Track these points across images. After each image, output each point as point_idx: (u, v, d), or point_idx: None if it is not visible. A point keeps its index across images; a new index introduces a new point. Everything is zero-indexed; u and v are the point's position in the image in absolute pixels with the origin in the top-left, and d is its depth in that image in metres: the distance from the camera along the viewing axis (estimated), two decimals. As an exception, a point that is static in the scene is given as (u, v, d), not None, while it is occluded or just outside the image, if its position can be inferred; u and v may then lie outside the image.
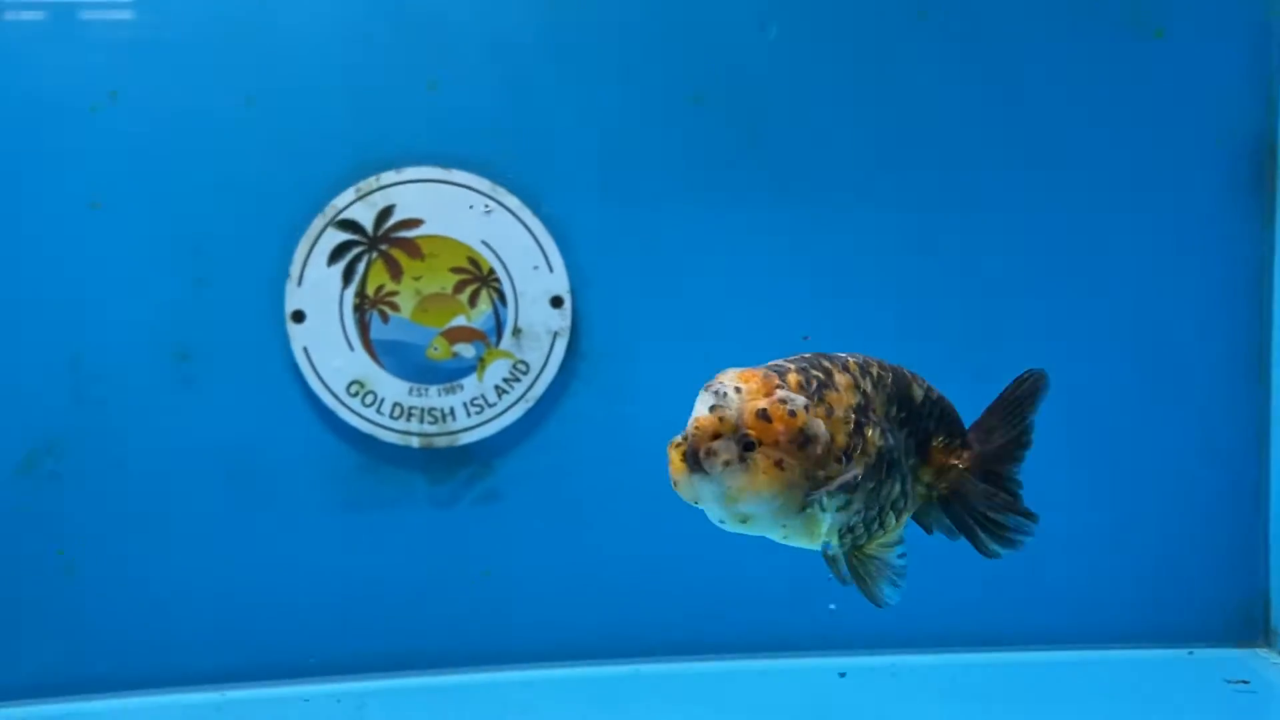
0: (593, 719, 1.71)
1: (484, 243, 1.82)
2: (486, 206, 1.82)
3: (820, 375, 1.09)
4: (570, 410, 1.85)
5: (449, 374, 1.83)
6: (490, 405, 1.83)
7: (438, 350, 1.83)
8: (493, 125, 1.82)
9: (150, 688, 1.78)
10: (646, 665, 1.86)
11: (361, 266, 1.80)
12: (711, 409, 1.03)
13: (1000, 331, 1.87)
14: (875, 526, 1.13)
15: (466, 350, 1.83)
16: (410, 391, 1.82)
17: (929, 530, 1.24)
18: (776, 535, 1.09)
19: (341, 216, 1.79)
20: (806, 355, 1.12)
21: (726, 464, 1.01)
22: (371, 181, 1.79)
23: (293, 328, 1.79)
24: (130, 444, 1.77)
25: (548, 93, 1.83)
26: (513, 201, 1.82)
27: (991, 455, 1.22)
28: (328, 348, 1.79)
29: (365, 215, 1.79)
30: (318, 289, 1.79)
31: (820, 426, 1.05)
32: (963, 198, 1.86)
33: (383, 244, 1.80)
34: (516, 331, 1.84)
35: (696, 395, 1.05)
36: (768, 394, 1.04)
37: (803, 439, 1.03)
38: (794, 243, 1.86)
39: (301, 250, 1.78)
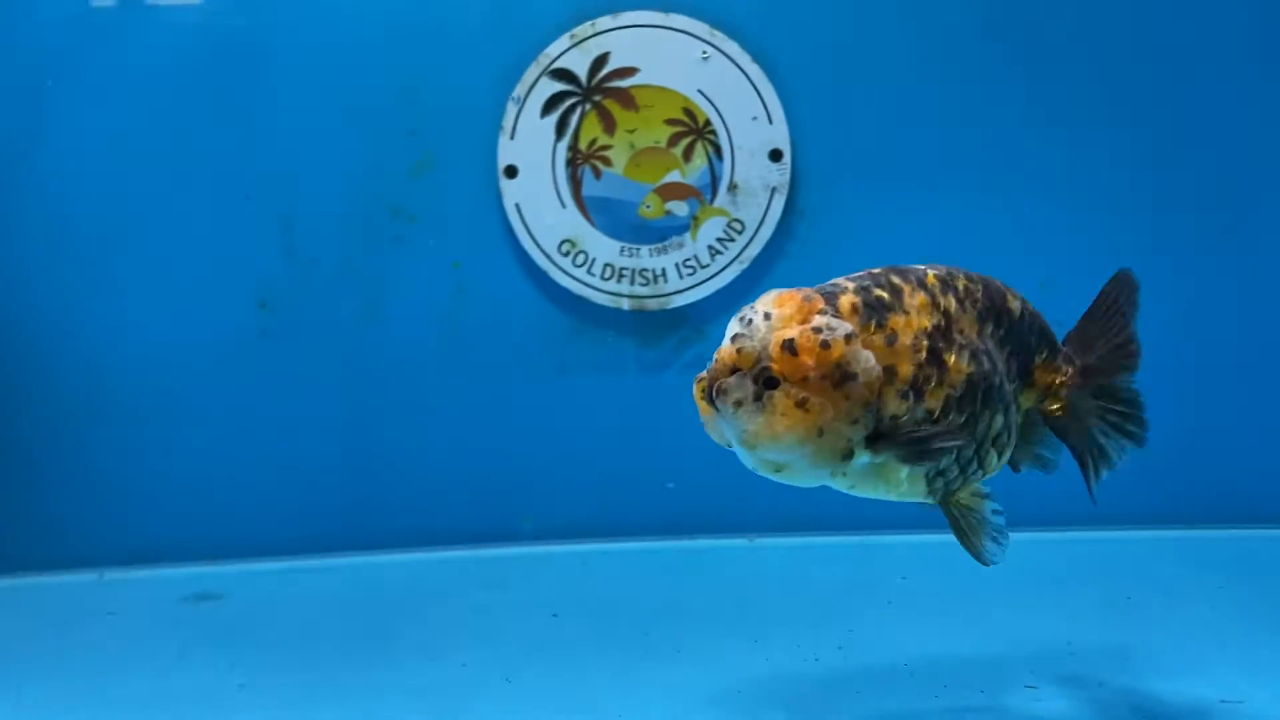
0: (814, 579, 1.64)
1: (700, 92, 1.71)
2: (704, 53, 1.71)
3: (885, 294, 0.93)
4: (786, 272, 1.74)
5: (661, 233, 1.74)
6: (703, 266, 1.75)
7: (650, 208, 1.75)
8: (713, -36, 1.73)
9: (371, 549, 1.77)
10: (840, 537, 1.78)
11: (575, 119, 1.73)
12: (734, 339, 0.90)
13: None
14: (974, 469, 0.97)
15: (680, 208, 1.75)
16: (622, 251, 1.75)
17: (1016, 468, 1.07)
18: (840, 486, 0.95)
19: (555, 65, 1.72)
20: (878, 270, 0.96)
21: (738, 404, 0.88)
22: (587, 27, 1.70)
23: (505, 183, 1.74)
24: (342, 302, 1.75)
25: (770, -70, 1.72)
26: (732, 47, 1.70)
27: (1096, 367, 1.07)
28: (540, 204, 1.73)
29: (579, 64, 1.71)
30: (531, 143, 1.72)
31: (867, 359, 0.89)
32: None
33: (596, 95, 1.72)
34: (732, 187, 1.74)
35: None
36: (803, 321, 0.89)
37: (839, 375, 0.88)
38: (1029, 123, 1.71)
39: (514, 102, 1.71)
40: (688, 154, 1.73)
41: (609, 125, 1.73)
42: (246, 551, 1.71)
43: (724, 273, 1.74)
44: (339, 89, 1.71)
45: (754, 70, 1.71)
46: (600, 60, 1.72)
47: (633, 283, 1.75)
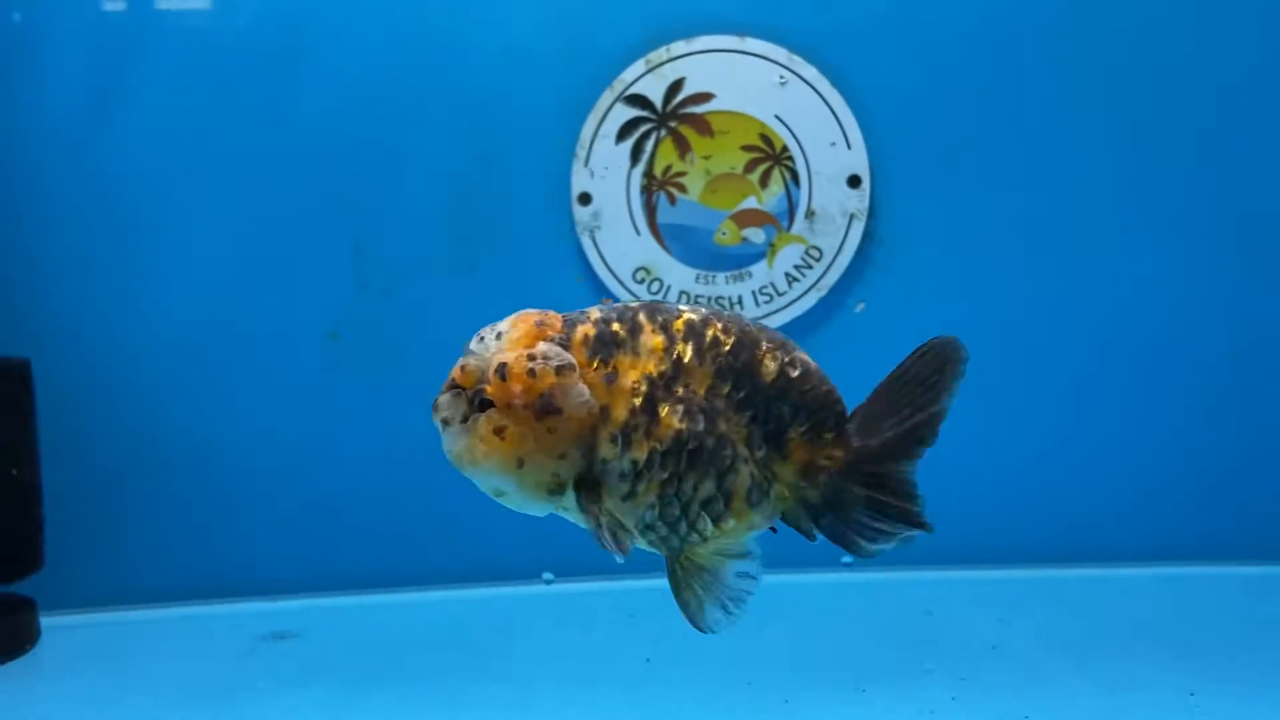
0: (905, 616, 1.59)
1: (777, 118, 1.69)
2: (781, 78, 1.69)
3: (621, 331, 0.88)
4: (865, 300, 1.72)
5: (737, 260, 1.72)
6: (780, 294, 1.72)
7: (726, 235, 1.72)
8: (790, -11, 1.70)
9: (442, 584, 1.74)
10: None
11: (650, 145, 1.70)
12: (465, 356, 0.87)
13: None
14: (685, 530, 0.90)
15: (756, 235, 1.72)
16: (697, 278, 1.72)
17: (811, 536, 0.96)
18: (570, 519, 0.90)
19: (630, 91, 1.70)
20: (636, 303, 0.91)
21: (445, 423, 0.86)
22: (662, 53, 1.68)
23: (579, 210, 1.71)
24: (411, 330, 1.72)
25: (848, -47, 1.70)
26: (810, 72, 1.68)
27: (877, 451, 0.94)
28: (614, 231, 1.70)
29: (655, 89, 1.69)
30: (605, 169, 1.69)
31: (579, 395, 0.85)
32: None
33: (672, 120, 1.70)
34: (810, 214, 1.71)
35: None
36: (529, 345, 0.86)
37: (542, 407, 0.84)
38: (1112, 146, 1.68)
39: (589, 128, 1.69)
40: (764, 180, 1.71)
41: (684, 151, 1.71)
42: (323, 586, 1.68)
43: (801, 300, 1.71)
44: (412, 115, 1.68)
45: (832, 96, 1.68)
46: (676, 86, 1.69)
47: (708, 311, 1.73)
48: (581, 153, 1.70)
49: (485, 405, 0.85)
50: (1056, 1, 1.68)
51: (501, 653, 1.49)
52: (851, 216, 1.70)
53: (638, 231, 1.72)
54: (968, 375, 0.91)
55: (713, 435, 0.89)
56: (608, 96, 1.69)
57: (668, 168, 1.71)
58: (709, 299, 1.72)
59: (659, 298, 1.71)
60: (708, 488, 0.90)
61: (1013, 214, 1.70)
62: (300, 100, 1.69)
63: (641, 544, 0.91)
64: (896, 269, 1.71)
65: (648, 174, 1.71)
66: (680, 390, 0.89)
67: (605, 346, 0.87)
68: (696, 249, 1.72)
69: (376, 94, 1.68)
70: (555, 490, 0.87)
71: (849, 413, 0.94)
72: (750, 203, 1.71)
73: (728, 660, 1.42)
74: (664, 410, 0.88)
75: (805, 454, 0.93)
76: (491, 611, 1.66)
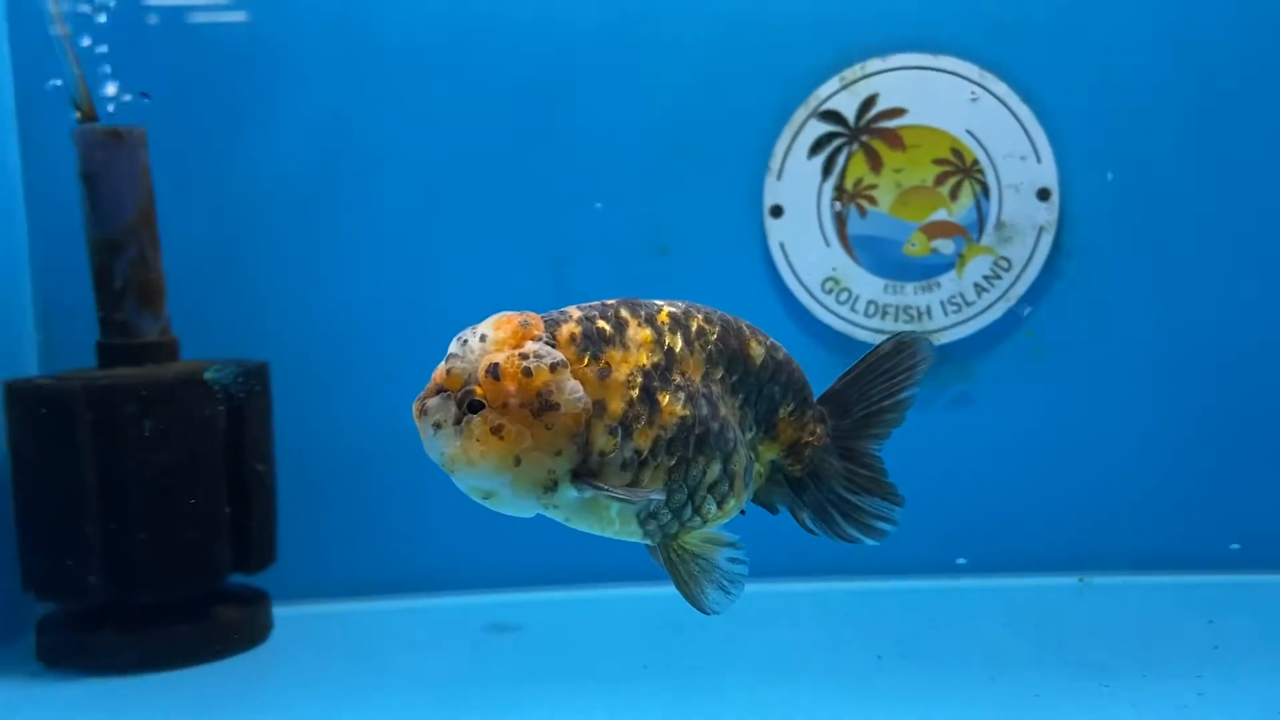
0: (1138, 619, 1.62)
1: (968, 132, 1.72)
2: (973, 94, 1.72)
3: (607, 327, 0.90)
4: (1053, 311, 1.75)
5: (926, 270, 1.75)
6: (969, 304, 1.75)
7: (916, 246, 1.76)
8: (983, 8, 1.72)
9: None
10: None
11: (842, 159, 1.75)
12: (448, 359, 0.88)
13: None
14: (690, 515, 0.93)
15: (946, 246, 1.76)
16: (886, 289, 1.76)
17: (774, 510, 1.04)
18: (556, 517, 0.92)
19: (824, 107, 1.74)
20: (613, 301, 0.94)
21: (438, 426, 0.86)
22: (856, 70, 1.73)
23: (770, 222, 1.76)
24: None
25: (1039, -29, 1.73)
26: (1001, 88, 1.71)
27: (848, 430, 1.03)
28: (804, 243, 1.75)
29: (848, 105, 1.73)
30: (797, 183, 1.75)
31: (573, 390, 0.86)
32: None
33: (864, 135, 1.74)
34: (999, 226, 1.74)
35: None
36: (516, 345, 0.87)
37: (540, 404, 0.86)
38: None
39: (782, 143, 1.74)
40: (955, 193, 1.74)
41: (875, 165, 1.75)
42: (543, 580, 1.75)
43: (989, 310, 1.74)
44: (610, 130, 1.74)
45: (1023, 110, 1.71)
46: (869, 101, 1.73)
47: (896, 320, 1.77)
48: (775, 166, 1.76)
49: (475, 407, 0.86)
50: (1249, 13, 1.70)
51: (730, 647, 1.53)
52: (1041, 229, 1.73)
53: (827, 243, 1.76)
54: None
55: (717, 419, 0.93)
56: (801, 112, 1.74)
57: (859, 180, 1.75)
58: (897, 308, 1.76)
59: (846, 308, 1.77)
60: (715, 470, 0.93)
61: (1202, 226, 1.72)
62: (500, 116, 1.75)
63: (636, 535, 0.93)
64: (1083, 280, 1.74)
65: (839, 187, 1.75)
66: (677, 378, 0.92)
67: (593, 343, 0.89)
68: (885, 260, 1.76)
69: (575, 110, 1.75)
70: (550, 487, 0.88)
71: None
72: (940, 215, 1.75)
73: (965, 659, 1.47)
74: (665, 399, 0.90)
75: (793, 432, 0.99)
76: (754, 604, 1.68)
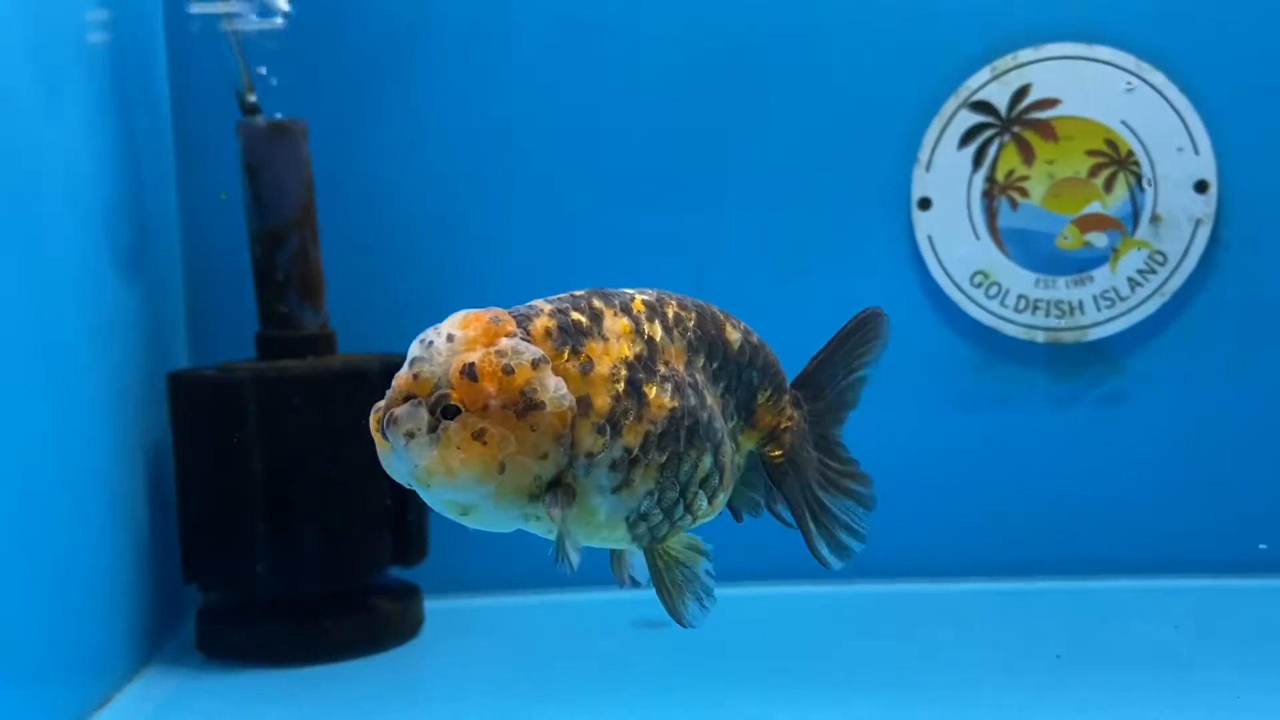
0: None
1: (1124, 123, 1.69)
2: (1129, 84, 1.68)
3: (583, 319, 0.83)
4: (1208, 306, 1.70)
5: (1079, 264, 1.72)
6: (1122, 299, 1.71)
7: (1068, 239, 1.72)
8: (1140, -4, 1.71)
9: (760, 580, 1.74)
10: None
11: (993, 150, 1.71)
12: (411, 363, 0.78)
13: None
14: (680, 513, 0.86)
15: (1099, 239, 1.72)
16: (1037, 283, 1.72)
17: (738, 516, 0.97)
18: (537, 530, 0.84)
19: (975, 98, 1.71)
20: (581, 292, 0.86)
21: (410, 435, 0.77)
22: (1008, 60, 1.70)
23: (918, 215, 1.74)
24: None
25: (1199, -43, 1.69)
26: (1158, 78, 1.67)
27: (821, 414, 0.97)
28: (953, 236, 1.72)
29: (1000, 96, 1.70)
30: (946, 174, 1.72)
31: (557, 387, 0.78)
32: None
33: (1016, 126, 1.71)
34: (1155, 219, 1.70)
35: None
36: (489, 344, 0.78)
37: (524, 404, 0.78)
38: None
39: (931, 134, 1.71)
40: (1109, 185, 1.70)
41: (1028, 156, 1.72)
42: None
43: (1144, 305, 1.70)
44: (753, 119, 1.73)
45: (1180, 101, 1.67)
46: (1021, 92, 1.70)
47: (1047, 315, 1.73)
48: (923, 158, 1.73)
49: (450, 412, 0.78)
50: None
51: (883, 648, 1.52)
52: (1198, 221, 1.69)
53: (977, 236, 1.73)
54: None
55: (705, 409, 0.87)
56: (952, 103, 1.71)
57: (1010, 172, 1.72)
58: (1048, 303, 1.72)
59: (996, 302, 1.74)
60: (707, 463, 0.87)
61: (1365, 219, 1.69)
62: (645, 107, 1.74)
63: (625, 540, 0.87)
64: (1242, 274, 1.70)
65: (989, 179, 1.72)
66: (662, 368, 0.85)
67: (571, 336, 0.82)
68: (1037, 253, 1.73)
69: (718, 98, 1.73)
70: (536, 494, 0.80)
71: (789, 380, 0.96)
72: (1094, 207, 1.71)
73: (1142, 658, 1.45)
74: (651, 391, 0.83)
75: (771, 418, 0.93)
76: (863, 607, 1.69)
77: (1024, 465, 1.76)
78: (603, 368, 0.82)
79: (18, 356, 1.21)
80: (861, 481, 0.97)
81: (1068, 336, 1.73)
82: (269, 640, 1.49)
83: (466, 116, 1.73)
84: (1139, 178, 1.69)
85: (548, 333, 0.81)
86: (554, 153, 1.74)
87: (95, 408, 1.41)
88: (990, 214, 1.73)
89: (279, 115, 1.55)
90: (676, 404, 0.84)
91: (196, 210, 1.72)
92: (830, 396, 0.97)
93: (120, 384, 1.48)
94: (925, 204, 1.73)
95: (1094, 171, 1.70)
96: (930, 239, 1.74)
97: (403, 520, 1.55)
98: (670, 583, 0.89)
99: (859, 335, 0.96)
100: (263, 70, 1.61)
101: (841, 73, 1.72)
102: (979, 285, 1.74)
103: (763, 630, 1.61)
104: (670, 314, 0.87)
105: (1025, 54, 1.69)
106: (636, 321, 0.85)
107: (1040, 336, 1.73)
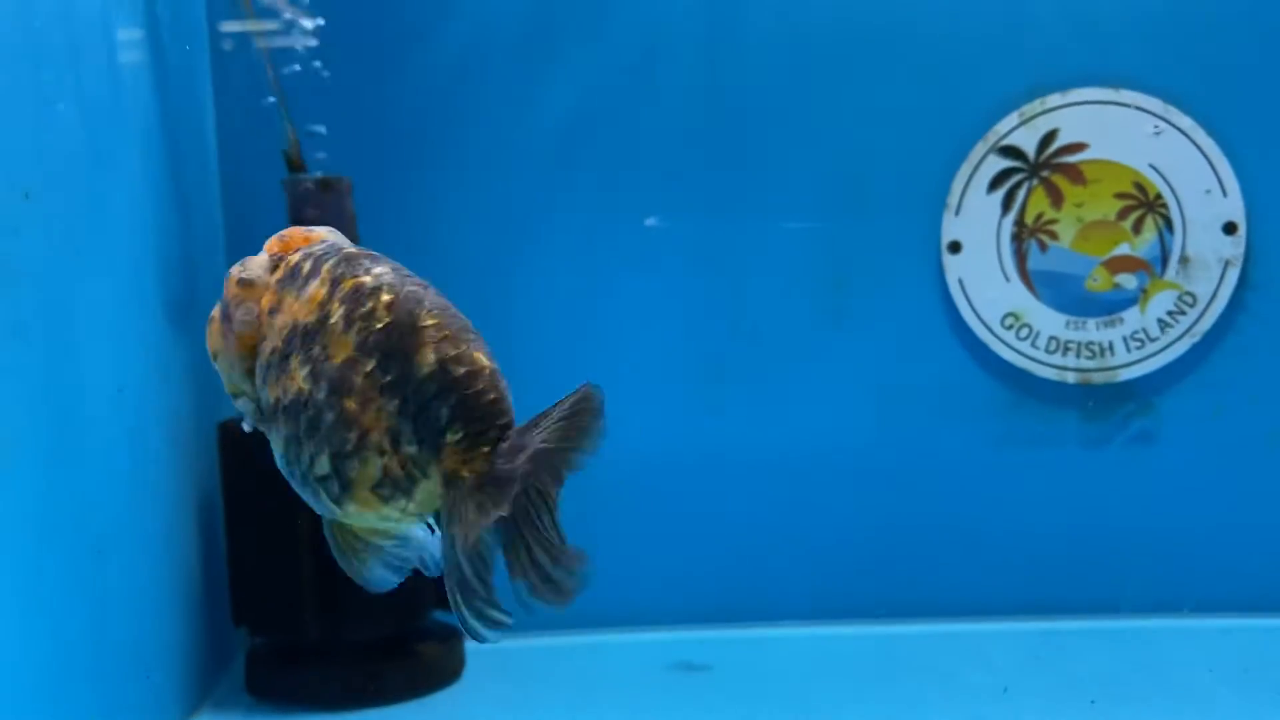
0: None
1: (1151, 166, 1.71)
2: (1156, 128, 1.71)
3: (305, 269, 0.85)
4: (1238, 346, 1.72)
5: (1109, 306, 1.74)
6: (1152, 339, 1.73)
7: (1098, 281, 1.75)
8: (1165, 41, 1.71)
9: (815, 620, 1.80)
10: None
11: (1022, 194, 1.74)
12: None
13: None
14: (311, 497, 0.84)
15: (1129, 281, 1.74)
16: (1067, 325, 1.75)
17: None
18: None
19: (1004, 142, 1.74)
20: (359, 252, 0.86)
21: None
22: (1036, 105, 1.72)
23: (948, 258, 1.76)
24: (780, 374, 1.78)
25: (1223, 4, 1.70)
26: (1185, 122, 1.69)
27: (506, 476, 0.81)
28: (983, 279, 1.75)
29: (1028, 140, 1.73)
30: (976, 218, 1.75)
31: (247, 312, 0.87)
32: None
33: (1044, 170, 1.73)
34: (1184, 260, 1.72)
35: None
36: (270, 249, 0.88)
37: (224, 310, 0.89)
38: None
39: (960, 178, 1.74)
40: (1138, 227, 1.73)
41: (1056, 200, 1.74)
42: (730, 617, 1.77)
43: (1174, 346, 1.72)
44: (789, 162, 1.75)
45: (1208, 144, 1.69)
46: (1049, 136, 1.73)
47: (1078, 356, 1.75)
48: (952, 202, 1.76)
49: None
50: None
51: (914, 690, 1.54)
52: (1227, 263, 1.71)
53: (1007, 278, 1.76)
54: None
55: (333, 410, 0.81)
56: (980, 148, 1.74)
57: (1039, 215, 1.75)
58: (1079, 344, 1.74)
59: (1027, 344, 1.76)
60: (323, 465, 0.82)
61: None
62: (679, 140, 1.76)
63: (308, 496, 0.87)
64: (1270, 314, 1.71)
65: (1019, 222, 1.75)
66: (316, 349, 0.82)
67: (290, 280, 0.84)
68: (1067, 295, 1.75)
69: (750, 139, 1.76)
70: (237, 395, 0.90)
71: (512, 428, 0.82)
72: (1123, 249, 1.73)
73: (1180, 697, 1.45)
74: (294, 362, 0.83)
75: (454, 462, 0.81)
76: (897, 648, 1.71)
77: (1056, 505, 1.77)
78: (279, 320, 0.84)
79: (94, 405, 1.26)
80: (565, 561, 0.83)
81: (1098, 377, 1.75)
82: (319, 685, 1.52)
83: (509, 168, 1.76)
84: (1167, 220, 1.72)
85: (287, 267, 0.86)
86: (583, 180, 1.76)
87: (158, 455, 1.46)
88: (1020, 257, 1.76)
89: (321, 173, 1.59)
90: (305, 388, 0.82)
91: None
92: (531, 465, 0.81)
93: (174, 432, 1.53)
94: (955, 247, 1.76)
95: (1123, 214, 1.72)
96: (961, 282, 1.76)
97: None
98: (345, 552, 0.88)
99: (575, 414, 0.81)
100: (320, 128, 1.67)
101: (871, 118, 1.75)
102: (1010, 327, 1.76)
103: (798, 672, 1.63)
104: (369, 306, 0.81)
105: (1053, 99, 1.72)
106: (331, 295, 0.82)
107: (1071, 378, 1.75)
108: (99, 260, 1.32)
